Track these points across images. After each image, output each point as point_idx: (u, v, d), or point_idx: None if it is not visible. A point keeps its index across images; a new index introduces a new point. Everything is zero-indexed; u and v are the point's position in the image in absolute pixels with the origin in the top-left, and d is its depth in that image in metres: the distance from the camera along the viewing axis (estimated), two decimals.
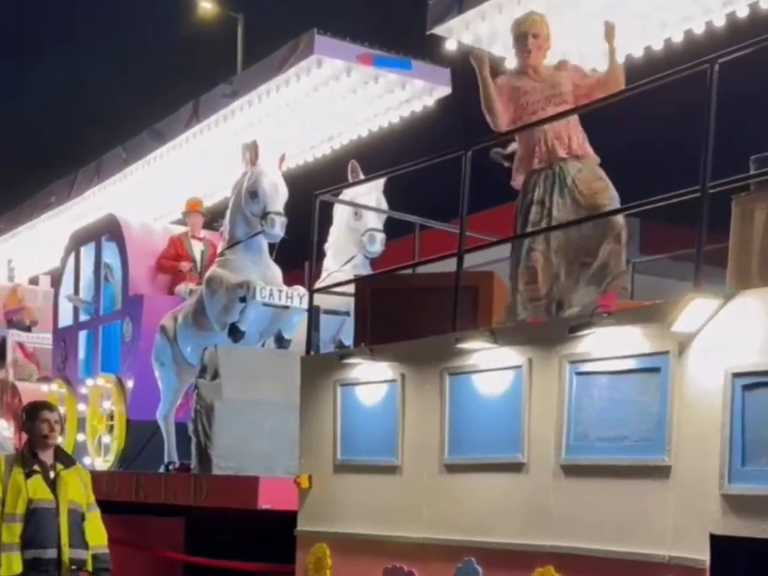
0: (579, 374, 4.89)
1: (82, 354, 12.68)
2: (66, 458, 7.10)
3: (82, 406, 12.20)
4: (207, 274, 9.59)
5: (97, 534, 7.06)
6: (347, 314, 9.48)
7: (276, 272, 9.56)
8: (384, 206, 9.65)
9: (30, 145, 31.86)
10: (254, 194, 9.29)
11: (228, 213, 9.73)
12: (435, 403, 5.76)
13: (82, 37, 33.42)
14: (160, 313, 11.06)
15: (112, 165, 12.28)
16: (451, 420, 5.66)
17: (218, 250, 9.79)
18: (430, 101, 9.53)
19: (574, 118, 6.23)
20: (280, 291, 9.16)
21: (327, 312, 9.33)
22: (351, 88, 9.36)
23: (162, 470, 10.14)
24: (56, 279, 13.58)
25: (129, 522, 9.75)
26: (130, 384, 11.34)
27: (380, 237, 9.52)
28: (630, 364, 4.70)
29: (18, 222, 15.29)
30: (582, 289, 5.87)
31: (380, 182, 9.61)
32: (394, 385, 6.10)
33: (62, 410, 12.22)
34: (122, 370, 11.50)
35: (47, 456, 6.92)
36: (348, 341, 9.52)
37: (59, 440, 7.15)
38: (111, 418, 11.53)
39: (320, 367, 6.77)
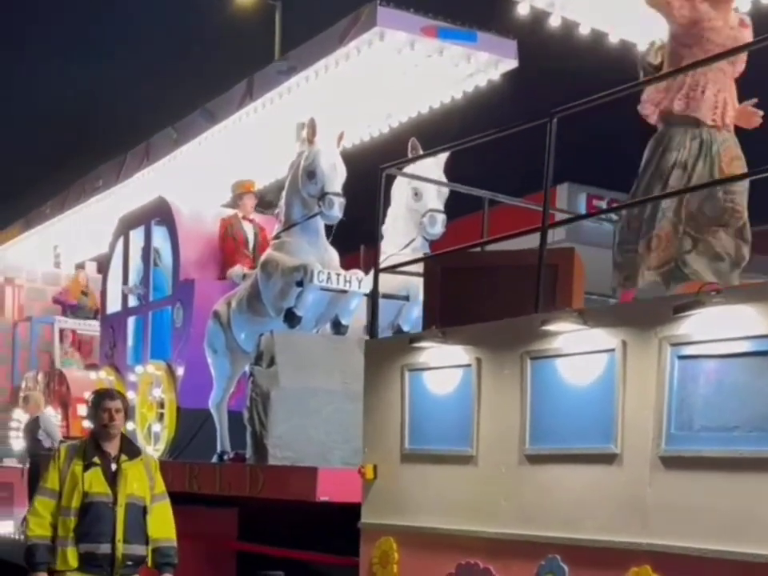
0: (682, 357, 4.49)
1: (130, 340, 12.43)
2: (131, 448, 6.78)
3: (131, 394, 11.89)
4: (262, 258, 9.25)
5: (162, 525, 6.74)
6: (406, 298, 9.16)
7: (333, 255, 9.20)
8: (445, 192, 9.28)
9: (78, 127, 31.69)
10: (311, 174, 8.93)
11: (284, 194, 9.38)
12: (515, 389, 5.38)
13: (121, 26, 33.42)
14: (211, 298, 10.78)
15: (162, 146, 11.96)
16: (533, 407, 5.28)
17: (273, 233, 9.44)
18: (495, 74, 9.10)
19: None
20: (338, 275, 8.80)
21: (386, 296, 9.00)
22: (414, 62, 8.96)
23: (214, 459, 9.84)
24: (104, 264, 13.29)
25: (180, 513, 9.45)
26: (180, 371, 11.06)
27: (441, 218, 9.15)
28: (742, 346, 4.29)
29: (65, 207, 15.01)
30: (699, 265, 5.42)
31: (441, 161, 9.27)
32: (468, 370, 5.72)
33: None
34: (173, 357, 11.22)
35: (112, 446, 6.61)
36: (407, 326, 9.20)
37: (123, 429, 6.83)
38: (161, 406, 11.26)
39: (386, 352, 6.41)
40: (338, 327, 9.11)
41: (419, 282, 9.13)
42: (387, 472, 6.35)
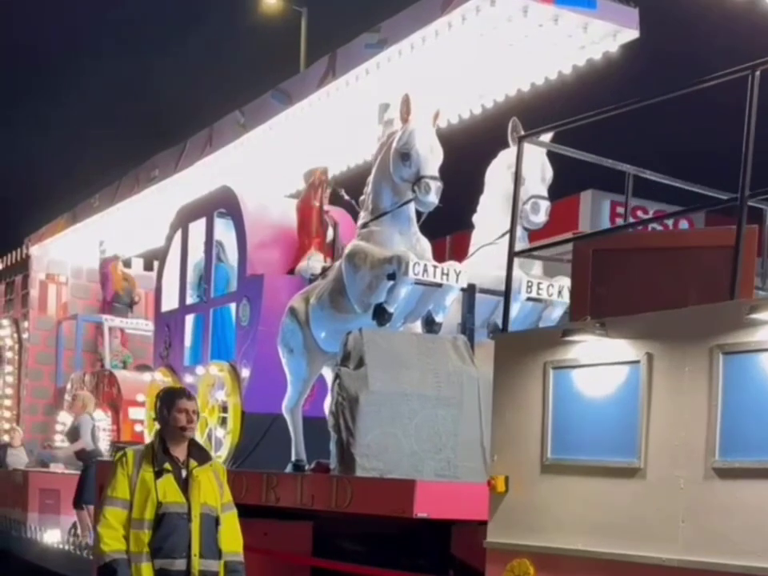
0: None
1: (188, 340, 11.65)
2: (200, 453, 6.08)
3: None
4: (348, 249, 8.42)
5: (231, 538, 6.10)
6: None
7: (425, 245, 8.38)
8: (549, 170, 8.48)
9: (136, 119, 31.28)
10: (405, 156, 8.10)
11: (371, 179, 8.56)
12: (700, 390, 4.56)
13: (144, 33, 33.10)
14: (280, 294, 10.04)
15: (227, 131, 11.15)
16: (725, 412, 4.45)
17: (359, 221, 8.61)
18: (613, 46, 8.22)
19: None
20: (435, 267, 7.96)
21: (483, 291, 8.26)
22: (524, 32, 8.11)
23: (289, 469, 9.02)
24: (160, 259, 12.50)
25: (252, 526, 8.68)
26: (245, 373, 10.30)
27: (545, 205, 8.33)
28: None
29: (115, 199, 14.23)
30: None
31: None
32: (635, 367, 4.89)
33: None
34: (237, 358, 10.44)
35: (180, 451, 5.94)
36: None
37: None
38: (224, 409, 10.48)
39: (524, 347, 5.59)
40: (431, 325, 8.28)
41: (520, 275, 8.36)
42: (522, 484, 5.54)
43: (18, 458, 15.40)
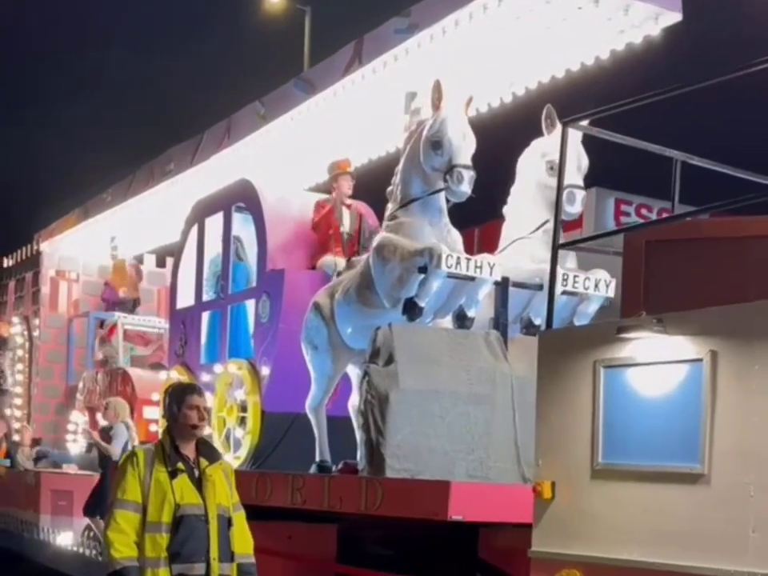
0: None
1: (205, 337, 11.35)
2: (210, 452, 5.80)
3: (207, 396, 10.82)
4: (376, 241, 8.10)
5: (243, 539, 5.84)
6: (539, 287, 8.03)
7: (456, 237, 8.06)
8: (584, 158, 8.16)
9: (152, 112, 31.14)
10: (436, 144, 7.78)
11: (399, 169, 8.24)
12: None
13: (149, 32, 33.06)
14: (301, 290, 9.75)
15: (246, 123, 10.82)
16: None
17: (387, 213, 8.29)
18: (654, 29, 7.87)
19: None
20: (468, 259, 7.64)
21: (516, 285, 7.97)
22: (562, 14, 7.76)
23: (313, 470, 8.72)
24: (175, 255, 12.19)
25: (274, 529, 8.40)
26: (265, 371, 9.99)
27: (581, 195, 8.01)
28: None
29: (128, 194, 13.91)
30: None
31: (577, 133, 8.14)
32: (697, 366, 4.57)
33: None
34: (256, 355, 10.14)
35: (189, 450, 5.66)
36: (539, 319, 8.07)
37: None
38: (243, 409, 10.17)
39: (572, 345, 5.27)
40: (463, 320, 7.96)
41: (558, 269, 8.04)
42: (570, 491, 5.23)
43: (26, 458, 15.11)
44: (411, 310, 7.74)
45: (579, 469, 5.17)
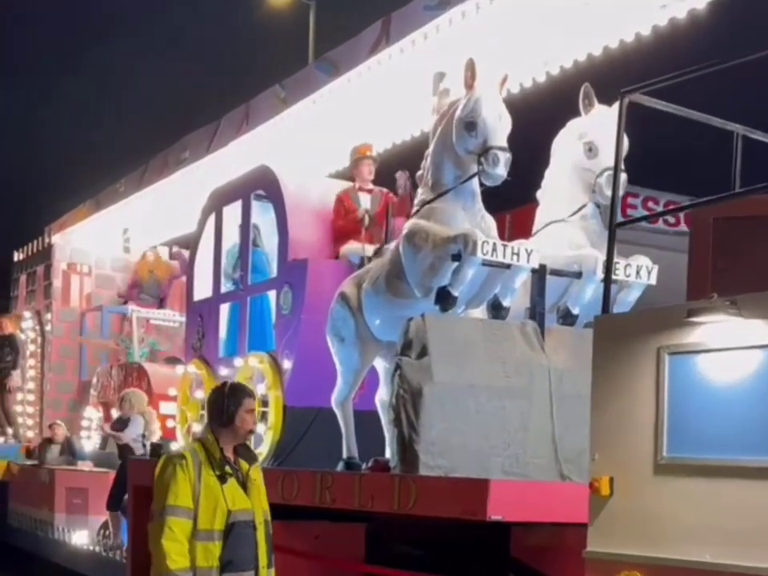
0: None
1: (223, 330, 11.00)
2: (248, 453, 5.54)
3: None
4: (407, 228, 7.72)
5: (270, 544, 5.64)
6: (578, 275, 7.67)
7: (491, 223, 7.69)
8: (625, 140, 7.75)
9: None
10: (470, 125, 7.40)
11: (430, 153, 7.88)
12: None
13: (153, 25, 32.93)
14: (325, 280, 9.42)
15: (266, 107, 10.46)
16: None
17: (418, 198, 7.92)
18: (700, 2, 7.49)
19: None
20: (504, 246, 7.27)
21: (553, 273, 7.62)
22: None
23: (340, 467, 8.36)
24: (191, 246, 11.83)
25: (300, 529, 8.07)
26: (287, 364, 9.64)
27: (622, 178, 7.61)
28: None
29: (142, 184, 13.56)
30: None
31: (614, 112, 7.78)
32: None
33: (200, 394, 10.64)
34: (277, 348, 9.78)
35: (230, 451, 5.44)
36: (577, 309, 7.72)
37: None
38: (264, 404, 9.81)
39: (632, 330, 4.90)
40: (498, 309, 7.60)
41: (596, 255, 7.69)
42: (631, 487, 4.88)
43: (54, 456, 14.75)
44: (444, 299, 7.38)
45: (641, 463, 4.82)
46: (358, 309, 8.25)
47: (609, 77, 8.04)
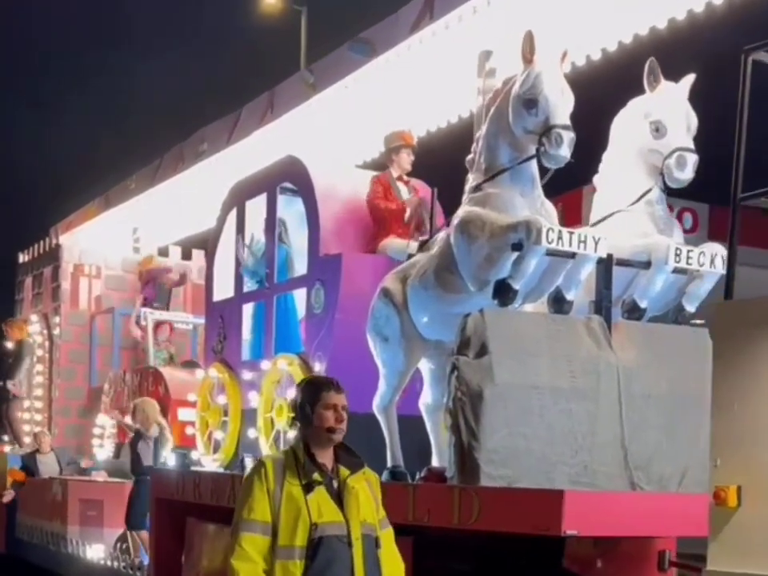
0: None
1: (247, 331, 10.39)
2: (351, 458, 4.84)
3: (252, 395, 9.90)
4: (461, 216, 7.07)
5: (394, 562, 4.95)
6: (645, 265, 7.04)
7: (551, 210, 7.06)
8: (693, 118, 7.18)
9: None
10: (530, 102, 6.77)
11: (481, 135, 7.25)
12: None
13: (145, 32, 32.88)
14: (360, 276, 8.90)
15: (292, 94, 9.82)
16: None
17: (470, 184, 7.28)
18: None
19: None
20: (571, 234, 6.63)
21: (620, 263, 6.97)
22: None
23: (386, 477, 7.71)
24: (210, 244, 11.19)
25: None
26: (318, 366, 9.04)
27: (692, 159, 7.01)
28: None
29: (155, 180, 12.91)
30: None
31: (685, 85, 7.18)
32: None
33: (222, 399, 10.03)
34: (309, 350, 9.18)
35: (327, 457, 4.73)
36: (644, 302, 7.09)
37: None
38: (294, 409, 9.17)
39: (762, 320, 4.26)
40: (561, 303, 6.96)
41: (667, 243, 7.08)
42: (762, 497, 4.24)
43: (49, 466, 14.13)
44: (504, 293, 6.73)
45: None
46: (403, 305, 7.62)
47: (673, 53, 7.43)
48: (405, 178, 9.17)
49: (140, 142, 22.29)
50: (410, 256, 8.36)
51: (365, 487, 4.76)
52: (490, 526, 6.24)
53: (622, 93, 7.58)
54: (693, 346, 7.11)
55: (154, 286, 14.54)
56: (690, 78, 7.24)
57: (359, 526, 4.60)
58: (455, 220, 7.13)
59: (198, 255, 15.52)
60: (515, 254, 6.69)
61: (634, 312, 7.18)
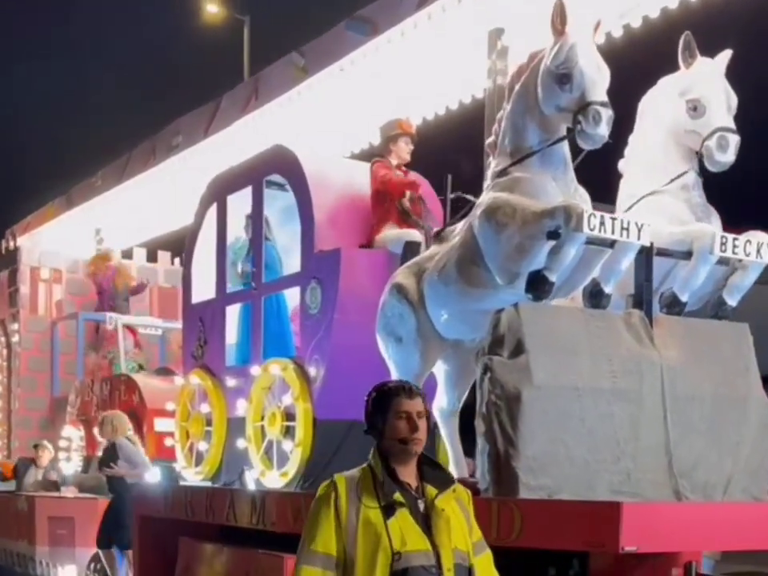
0: None
1: (232, 335, 9.72)
2: (438, 474, 4.17)
3: (240, 403, 9.25)
4: (487, 202, 6.46)
5: None
6: (686, 255, 6.51)
7: (585, 196, 6.48)
8: (733, 96, 6.68)
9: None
10: (563, 77, 6.18)
11: (505, 116, 6.66)
12: None
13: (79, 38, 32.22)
14: (360, 273, 8.28)
15: (280, 79, 9.16)
16: None
17: (493, 168, 6.68)
18: None
19: None
20: (613, 220, 6.06)
21: (660, 253, 6.44)
22: None
23: None
24: (188, 242, 10.50)
25: None
26: (314, 372, 8.41)
27: (734, 140, 6.50)
28: None
29: (123, 176, 12.18)
30: None
31: (721, 62, 6.66)
32: None
33: (205, 408, 9.38)
34: (306, 354, 8.53)
35: (409, 473, 4.05)
36: (685, 295, 6.55)
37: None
38: (287, 417, 8.57)
39: None
40: (599, 297, 6.39)
41: (711, 231, 6.54)
42: None
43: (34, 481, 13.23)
44: (539, 286, 6.13)
45: None
46: (419, 302, 7.02)
47: (705, 28, 6.91)
48: (403, 168, 8.58)
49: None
50: (407, 245, 7.82)
51: (455, 508, 4.10)
52: (534, 542, 5.67)
53: (647, 71, 7.06)
54: (735, 342, 6.65)
55: (105, 295, 13.76)
56: (726, 54, 6.73)
57: (451, 554, 3.95)
58: (479, 207, 6.53)
59: (164, 257, 14.78)
60: (550, 243, 6.11)
61: (673, 306, 6.63)
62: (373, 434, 4.11)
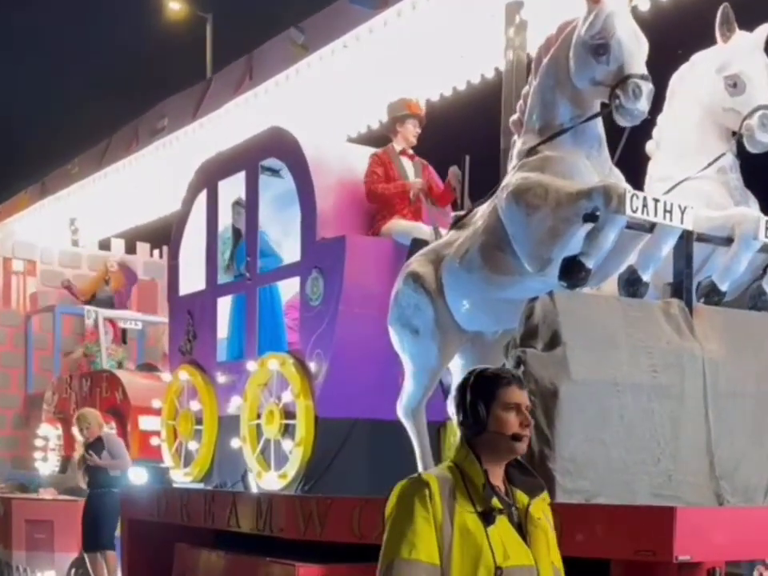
0: None
1: (223, 328, 9.25)
2: (526, 477, 3.66)
3: (233, 400, 8.77)
4: (515, 183, 5.98)
5: None
6: (726, 241, 6.09)
7: (619, 175, 6.04)
8: None
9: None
10: (600, 48, 5.73)
11: (533, 90, 6.22)
12: None
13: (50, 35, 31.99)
14: (365, 262, 7.81)
15: (277, 56, 8.66)
16: None
17: (520, 147, 6.21)
18: None
19: None
20: (656, 201, 5.62)
21: (700, 239, 6.03)
22: None
23: None
24: (175, 231, 9.98)
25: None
26: (316, 367, 7.96)
27: None
28: None
29: (104, 163, 11.63)
30: None
31: (760, 38, 6.26)
32: None
33: (195, 405, 8.91)
34: (306, 348, 8.07)
35: (497, 475, 3.54)
36: (724, 284, 6.14)
37: None
38: (287, 415, 8.11)
39: None
40: (636, 285, 5.97)
41: (756, 215, 6.13)
42: None
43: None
44: (574, 273, 5.66)
45: None
46: (438, 291, 6.55)
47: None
48: (410, 152, 8.11)
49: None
50: (415, 240, 7.35)
51: (547, 516, 3.62)
52: (576, 550, 5.17)
53: (676, 47, 6.64)
54: None
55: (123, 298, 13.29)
56: (766, 28, 6.32)
57: (550, 569, 3.47)
58: (506, 189, 6.06)
59: (143, 249, 14.23)
60: (587, 227, 5.66)
61: (712, 296, 6.22)
62: (466, 427, 3.55)
